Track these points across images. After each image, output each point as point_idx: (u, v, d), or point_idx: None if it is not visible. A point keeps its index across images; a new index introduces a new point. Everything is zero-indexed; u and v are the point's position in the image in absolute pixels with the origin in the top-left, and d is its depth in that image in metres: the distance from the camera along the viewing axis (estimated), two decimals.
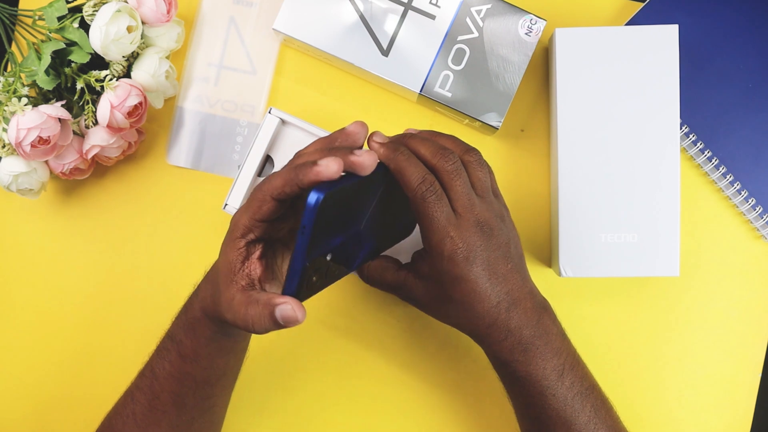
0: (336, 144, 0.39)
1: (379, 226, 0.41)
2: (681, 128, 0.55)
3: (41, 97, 0.52)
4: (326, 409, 0.57)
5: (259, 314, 0.35)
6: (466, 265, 0.40)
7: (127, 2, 0.50)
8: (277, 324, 0.34)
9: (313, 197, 0.33)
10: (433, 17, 0.54)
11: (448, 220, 0.39)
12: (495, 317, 0.41)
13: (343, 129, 0.39)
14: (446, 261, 0.40)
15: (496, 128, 0.54)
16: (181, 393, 0.43)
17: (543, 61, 0.58)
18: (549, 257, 0.57)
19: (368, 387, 0.57)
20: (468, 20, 0.54)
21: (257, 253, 0.38)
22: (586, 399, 0.43)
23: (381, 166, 0.39)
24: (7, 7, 0.54)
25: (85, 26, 0.50)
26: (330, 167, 0.34)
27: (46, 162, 0.52)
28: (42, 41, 0.50)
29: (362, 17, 0.54)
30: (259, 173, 0.53)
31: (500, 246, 0.41)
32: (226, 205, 0.52)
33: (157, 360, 0.44)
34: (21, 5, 0.59)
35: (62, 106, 0.50)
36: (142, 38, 0.52)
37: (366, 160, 0.35)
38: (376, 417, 0.57)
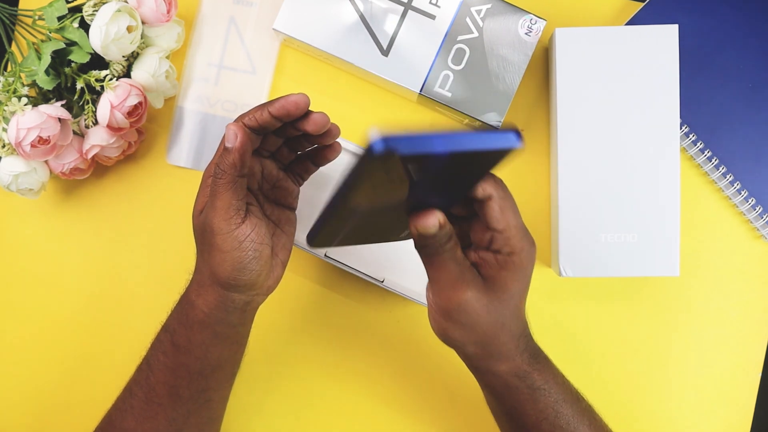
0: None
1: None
2: (681, 128, 0.55)
3: (41, 97, 0.52)
4: (325, 410, 0.57)
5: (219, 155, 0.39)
6: (531, 272, 0.39)
7: (127, 2, 0.50)
8: (227, 150, 0.38)
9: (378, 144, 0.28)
10: (433, 17, 0.54)
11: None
12: (524, 324, 0.40)
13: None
14: (527, 257, 0.37)
15: (496, 128, 0.54)
16: (176, 384, 0.43)
17: (543, 61, 0.58)
18: (549, 257, 0.57)
19: (367, 387, 0.57)
20: (468, 20, 0.54)
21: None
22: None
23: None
24: (7, 7, 0.54)
25: (85, 26, 0.50)
26: (302, 98, 0.38)
27: (46, 162, 0.52)
28: (42, 41, 0.50)
29: (362, 17, 0.54)
30: None
31: None
32: None
33: (152, 352, 0.44)
34: (21, 5, 0.59)
35: (62, 106, 0.50)
36: (142, 38, 0.52)
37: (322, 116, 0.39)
38: (375, 417, 0.57)
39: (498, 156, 0.32)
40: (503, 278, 0.37)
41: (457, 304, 0.37)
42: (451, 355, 0.58)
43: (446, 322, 0.38)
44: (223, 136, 0.39)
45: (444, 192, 0.36)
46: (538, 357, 0.41)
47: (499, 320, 0.38)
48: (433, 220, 0.34)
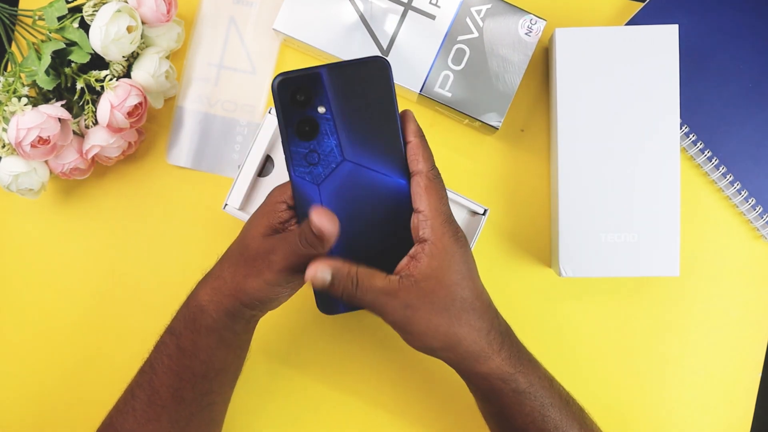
0: None
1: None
2: (681, 128, 0.55)
3: (41, 97, 0.52)
4: (326, 410, 0.57)
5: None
6: (467, 260, 0.39)
7: (127, 2, 0.50)
8: (322, 236, 0.36)
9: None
10: (433, 17, 0.54)
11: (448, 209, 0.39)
12: (491, 319, 0.40)
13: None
14: (452, 242, 0.38)
15: (496, 128, 0.54)
16: (180, 387, 0.43)
17: (543, 61, 0.58)
18: (549, 257, 0.57)
19: (367, 387, 0.57)
20: (468, 20, 0.54)
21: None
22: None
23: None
24: (7, 7, 0.54)
25: (85, 26, 0.50)
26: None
27: (46, 162, 0.52)
28: (42, 41, 0.50)
29: (362, 17, 0.54)
30: (260, 173, 0.53)
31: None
32: (225, 205, 0.52)
33: (156, 355, 0.44)
34: (21, 5, 0.59)
35: (62, 106, 0.50)
36: (142, 38, 0.52)
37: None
38: (376, 416, 0.57)
39: (378, 76, 0.37)
40: (433, 274, 0.38)
41: (402, 324, 0.37)
42: None
43: (410, 337, 0.39)
44: (311, 214, 0.36)
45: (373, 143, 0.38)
46: (521, 358, 0.41)
47: (452, 319, 0.38)
48: (321, 272, 0.36)
